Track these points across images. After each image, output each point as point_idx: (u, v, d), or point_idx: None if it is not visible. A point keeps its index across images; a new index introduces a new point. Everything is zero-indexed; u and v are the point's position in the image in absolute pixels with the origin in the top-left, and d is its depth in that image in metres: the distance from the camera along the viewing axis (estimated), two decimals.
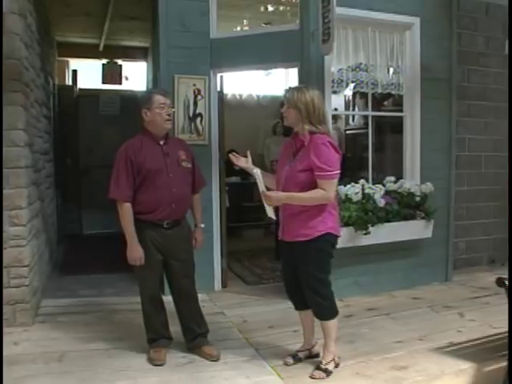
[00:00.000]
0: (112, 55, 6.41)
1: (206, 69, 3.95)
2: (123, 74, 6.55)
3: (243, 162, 2.72)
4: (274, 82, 7.17)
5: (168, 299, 2.85)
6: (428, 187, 3.94)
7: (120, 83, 6.53)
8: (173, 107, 2.70)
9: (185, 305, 2.76)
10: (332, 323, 2.59)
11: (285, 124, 2.67)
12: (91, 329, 3.18)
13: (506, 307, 3.64)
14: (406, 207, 3.89)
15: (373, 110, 4.28)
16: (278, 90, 7.35)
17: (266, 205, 2.47)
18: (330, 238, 2.52)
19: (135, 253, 2.55)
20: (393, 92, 4.06)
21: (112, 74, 6.42)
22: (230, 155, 2.77)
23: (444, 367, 2.68)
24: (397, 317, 3.49)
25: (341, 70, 3.84)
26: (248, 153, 2.74)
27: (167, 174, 2.60)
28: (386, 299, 3.89)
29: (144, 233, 2.59)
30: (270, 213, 2.50)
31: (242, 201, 6.49)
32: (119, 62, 6.51)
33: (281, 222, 2.59)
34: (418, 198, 3.95)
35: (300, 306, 2.73)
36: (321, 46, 3.48)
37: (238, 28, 5.04)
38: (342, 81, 3.85)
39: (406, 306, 3.71)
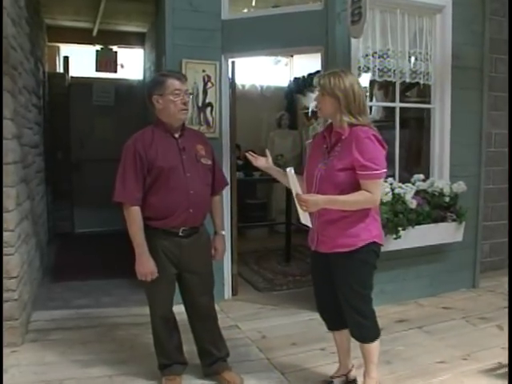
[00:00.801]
0: (106, 41, 5.94)
1: (216, 53, 3.55)
2: (118, 62, 6.08)
3: (263, 161, 2.37)
4: (282, 71, 6.76)
5: (178, 309, 2.42)
6: (461, 186, 3.60)
7: (115, 71, 6.07)
8: (191, 93, 2.29)
9: (202, 325, 2.38)
10: (374, 346, 2.23)
11: (319, 115, 2.26)
12: (90, 349, 2.78)
13: None
14: (436, 208, 3.54)
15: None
16: (283, 81, 6.99)
17: (299, 210, 2.08)
18: (375, 248, 2.15)
19: (146, 266, 2.15)
20: (421, 81, 3.69)
21: (106, 61, 5.95)
22: (247, 155, 2.41)
23: None
24: (431, 330, 3.15)
25: (367, 55, 3.46)
26: (267, 151, 2.39)
27: (184, 173, 2.19)
28: (414, 309, 3.55)
29: (155, 242, 2.19)
30: (305, 219, 2.11)
31: (245, 198, 6.10)
32: (114, 48, 6.04)
33: (314, 229, 2.20)
34: (447, 199, 3.60)
35: (335, 325, 2.37)
36: (349, 28, 3.09)
37: (245, 10, 4.62)
38: (368, 68, 3.47)
39: (438, 317, 3.37)
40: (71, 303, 3.52)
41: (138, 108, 6.34)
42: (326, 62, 3.34)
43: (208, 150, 2.33)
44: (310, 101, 6.89)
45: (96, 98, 6.08)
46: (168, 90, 2.18)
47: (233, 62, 3.68)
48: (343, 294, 2.18)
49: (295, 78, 6.97)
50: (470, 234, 3.92)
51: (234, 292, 3.83)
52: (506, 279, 4.34)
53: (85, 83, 5.99)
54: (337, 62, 3.28)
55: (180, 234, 2.21)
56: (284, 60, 6.12)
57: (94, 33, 5.76)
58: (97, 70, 6.00)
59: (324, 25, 3.29)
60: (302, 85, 6.85)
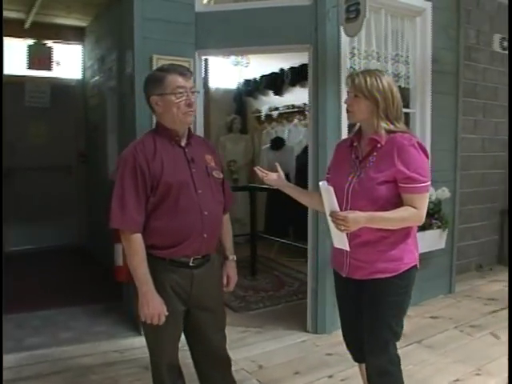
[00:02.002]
0: (40, 35, 5.24)
1: (190, 49, 3.18)
2: (54, 59, 5.42)
3: (274, 177, 2.06)
4: (243, 72, 6.45)
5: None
6: (445, 193, 3.55)
7: (50, 69, 5.39)
8: (197, 91, 1.90)
9: (217, 371, 1.98)
10: None
11: (349, 121, 1.97)
12: None
13: None
14: None
15: None
16: (231, 83, 6.69)
17: (334, 231, 1.75)
18: (415, 273, 1.88)
19: (154, 307, 1.71)
20: (401, 85, 3.58)
21: (40, 57, 5.27)
22: (257, 170, 2.09)
23: None
24: (431, 344, 3.02)
25: (353, 56, 3.27)
26: (278, 166, 2.08)
27: (195, 190, 1.80)
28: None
29: (162, 276, 1.77)
30: (340, 241, 1.78)
31: None
32: (49, 43, 5.37)
33: (343, 252, 1.86)
34: (431, 205, 3.52)
35: (364, 356, 2.01)
36: (344, 26, 2.88)
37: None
38: (354, 69, 3.28)
39: (432, 329, 3.26)
40: (23, 343, 2.93)
41: (77, 110, 5.74)
42: (314, 62, 3.09)
43: (217, 161, 1.97)
44: (263, 104, 6.66)
45: (29, 99, 5.37)
46: (169, 88, 1.78)
47: (206, 60, 3.33)
48: (370, 327, 1.87)
49: (246, 80, 6.70)
50: (448, 239, 3.88)
51: None
52: (476, 282, 4.41)
53: (15, 82, 5.23)
54: (326, 62, 3.07)
55: (191, 264, 1.82)
56: (244, 61, 5.80)
57: (27, 25, 5.06)
58: (29, 68, 5.29)
59: (313, 22, 3.05)
60: (254, 87, 6.61)
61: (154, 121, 3.03)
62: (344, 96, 3.11)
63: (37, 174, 5.47)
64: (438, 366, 2.73)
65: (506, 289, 4.20)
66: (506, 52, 4.85)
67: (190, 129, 1.91)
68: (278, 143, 5.95)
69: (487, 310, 3.64)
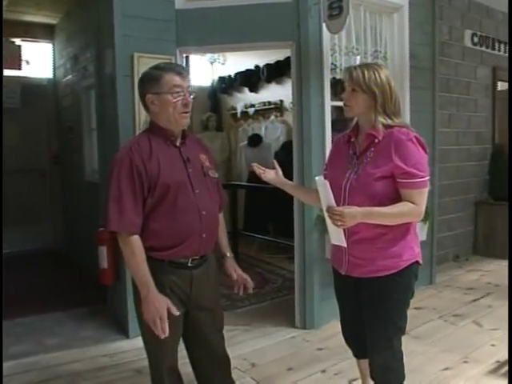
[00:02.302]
0: (8, 33, 5.05)
1: (171, 47, 3.13)
2: (23, 57, 5.25)
3: (272, 174, 2.05)
4: (217, 69, 6.40)
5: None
6: None
7: (19, 68, 5.22)
8: (194, 92, 1.87)
9: (217, 372, 1.96)
10: None
11: (346, 115, 1.96)
12: None
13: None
14: None
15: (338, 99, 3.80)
16: (205, 80, 6.63)
17: (331, 227, 1.75)
18: (416, 269, 1.89)
19: (157, 308, 1.67)
20: None
21: (9, 56, 5.08)
22: (255, 167, 2.06)
23: None
24: (418, 335, 3.09)
25: (335, 53, 3.30)
26: (275, 163, 2.08)
27: (192, 190, 1.77)
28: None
29: (161, 278, 1.73)
30: (337, 238, 1.77)
31: None
32: (17, 41, 5.19)
33: (343, 249, 1.86)
34: None
35: (364, 352, 2.02)
36: (327, 23, 2.90)
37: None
38: (335, 66, 3.31)
39: (417, 320, 3.32)
40: (8, 351, 2.83)
41: (49, 110, 5.58)
42: (297, 59, 3.10)
43: (211, 161, 1.95)
44: (238, 101, 6.64)
45: None
46: (165, 87, 1.75)
47: (186, 57, 3.29)
48: (373, 325, 1.88)
49: (220, 78, 6.66)
50: (428, 231, 3.97)
51: None
52: (454, 272, 4.54)
53: None
54: (309, 58, 3.08)
55: (189, 264, 1.80)
56: (221, 58, 5.75)
57: None
58: None
59: (295, 19, 3.05)
60: (229, 84, 6.57)
61: (138, 120, 3.05)
62: (327, 92, 3.18)
63: (8, 176, 5.28)
64: (427, 355, 2.79)
65: (483, 278, 4.35)
66: (477, 47, 4.99)
67: (184, 129, 1.88)
68: (255, 140, 5.94)
69: (467, 300, 3.75)
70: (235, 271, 1.98)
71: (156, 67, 1.84)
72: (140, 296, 1.70)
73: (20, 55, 5.22)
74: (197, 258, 1.81)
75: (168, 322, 1.70)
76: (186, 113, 1.80)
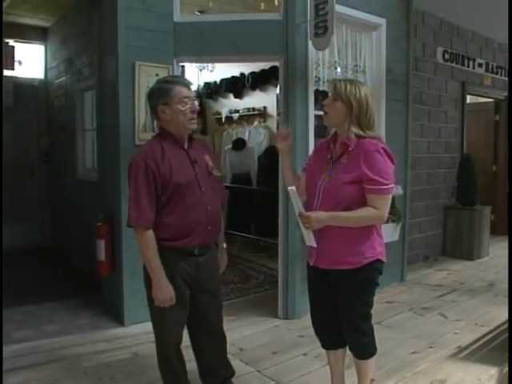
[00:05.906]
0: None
1: (169, 56, 3.38)
2: (16, 58, 5.39)
3: (288, 144, 2.25)
4: (203, 75, 6.64)
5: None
6: (398, 190, 3.94)
7: (12, 68, 5.35)
8: (198, 100, 2.13)
9: (211, 344, 2.24)
10: (370, 362, 2.21)
11: (325, 123, 2.22)
12: None
13: (471, 303, 3.89)
14: None
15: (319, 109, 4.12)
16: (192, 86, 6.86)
17: (303, 229, 2.00)
18: (379, 266, 2.07)
19: (166, 292, 1.95)
20: None
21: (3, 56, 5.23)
22: (284, 130, 2.30)
23: (476, 375, 2.64)
24: (390, 325, 3.40)
25: (318, 67, 3.60)
26: (290, 131, 2.28)
27: (199, 188, 2.04)
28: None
29: (172, 265, 2.00)
30: (309, 239, 2.02)
31: None
32: (10, 42, 5.34)
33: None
34: None
35: (331, 344, 2.26)
36: (313, 41, 3.20)
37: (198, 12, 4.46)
38: (319, 79, 3.62)
39: (389, 312, 3.64)
40: (11, 336, 3.03)
41: (40, 110, 5.73)
42: (285, 71, 3.39)
43: (215, 161, 2.22)
44: (223, 106, 6.91)
45: None
46: (176, 98, 2.00)
47: (182, 67, 3.54)
48: (344, 313, 2.10)
49: (206, 83, 6.92)
50: (400, 232, 4.31)
51: None
52: (423, 272, 4.89)
53: None
54: (296, 71, 3.37)
55: (196, 253, 2.06)
56: (210, 66, 6.00)
57: None
58: None
59: (284, 35, 3.34)
60: (214, 90, 6.84)
61: (137, 123, 3.28)
62: (311, 102, 3.47)
63: None
64: (398, 341, 3.10)
65: (450, 277, 4.71)
66: (448, 63, 5.40)
67: (190, 133, 2.14)
68: (239, 144, 6.20)
69: (435, 295, 4.10)
70: (220, 261, 2.28)
71: (165, 81, 2.09)
72: (151, 282, 1.97)
73: (13, 55, 5.35)
74: (203, 247, 2.08)
75: (176, 302, 1.99)
76: (194, 119, 2.06)
